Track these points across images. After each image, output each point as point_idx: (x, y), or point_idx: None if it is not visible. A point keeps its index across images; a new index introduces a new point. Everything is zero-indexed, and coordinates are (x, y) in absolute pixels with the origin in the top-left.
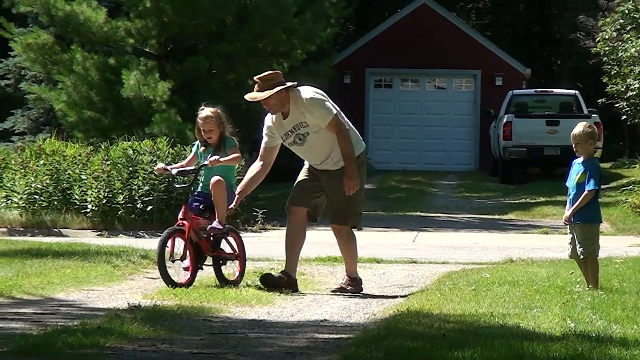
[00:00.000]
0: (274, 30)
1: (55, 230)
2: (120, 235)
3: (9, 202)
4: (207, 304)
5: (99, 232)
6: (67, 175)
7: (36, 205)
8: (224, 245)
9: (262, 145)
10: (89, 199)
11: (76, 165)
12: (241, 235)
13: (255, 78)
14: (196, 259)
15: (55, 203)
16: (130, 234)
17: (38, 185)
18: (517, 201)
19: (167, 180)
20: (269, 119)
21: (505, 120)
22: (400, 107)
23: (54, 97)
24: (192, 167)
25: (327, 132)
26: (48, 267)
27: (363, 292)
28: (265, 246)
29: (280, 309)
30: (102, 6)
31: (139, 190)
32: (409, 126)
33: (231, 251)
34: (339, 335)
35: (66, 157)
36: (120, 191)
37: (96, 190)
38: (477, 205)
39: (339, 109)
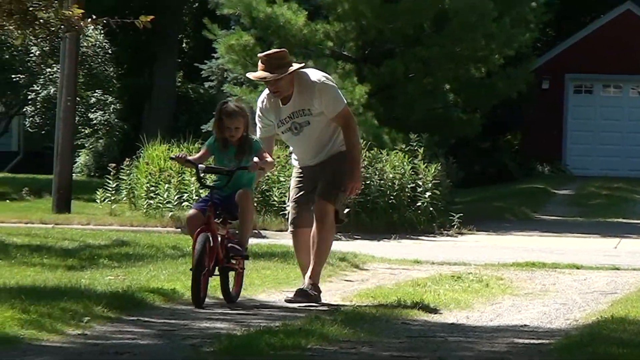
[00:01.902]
0: (472, 35)
1: (255, 231)
2: None
3: None
4: (405, 308)
5: None
6: (267, 177)
7: None
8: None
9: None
10: (287, 201)
11: (275, 167)
12: (435, 239)
13: (260, 55)
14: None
15: (255, 205)
16: None
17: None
18: None
19: (364, 183)
20: (262, 105)
21: None
22: (602, 113)
23: (255, 98)
24: (225, 168)
25: (329, 123)
26: (249, 269)
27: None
28: (461, 250)
29: (479, 313)
30: (302, 9)
31: None
32: (610, 132)
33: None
34: (539, 341)
35: (277, 161)
36: None
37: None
38: None
39: None
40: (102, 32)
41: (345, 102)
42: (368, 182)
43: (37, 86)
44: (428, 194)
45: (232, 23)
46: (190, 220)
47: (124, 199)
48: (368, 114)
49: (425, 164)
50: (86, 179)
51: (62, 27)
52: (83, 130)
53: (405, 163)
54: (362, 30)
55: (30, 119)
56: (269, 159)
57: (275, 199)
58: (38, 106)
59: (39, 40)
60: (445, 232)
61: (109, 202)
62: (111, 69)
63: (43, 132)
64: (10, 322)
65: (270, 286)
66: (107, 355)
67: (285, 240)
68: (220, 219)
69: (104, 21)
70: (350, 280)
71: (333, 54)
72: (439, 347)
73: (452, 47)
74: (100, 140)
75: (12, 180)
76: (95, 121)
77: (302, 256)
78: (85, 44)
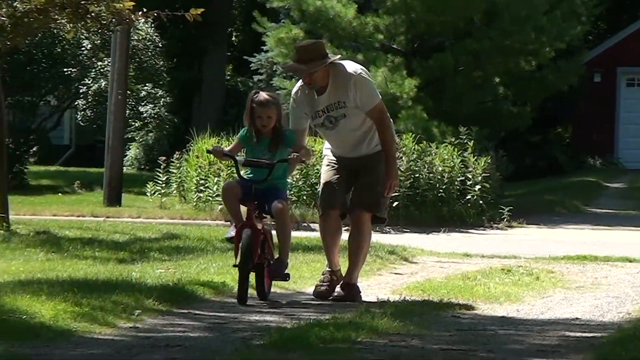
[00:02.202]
0: (523, 28)
1: (304, 224)
2: None
3: None
4: (455, 301)
5: (346, 228)
6: (316, 170)
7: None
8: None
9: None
10: None
11: (312, 158)
12: (485, 232)
13: (297, 46)
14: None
15: (304, 198)
16: (376, 229)
17: (288, 180)
18: None
19: (412, 176)
20: (296, 96)
21: None
22: None
23: None
24: (266, 161)
25: (364, 117)
26: (299, 262)
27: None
28: (511, 243)
29: (529, 306)
30: (352, 2)
31: None
32: None
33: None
34: (591, 334)
35: (314, 152)
36: None
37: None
38: None
39: None
40: (152, 25)
41: (380, 97)
42: (417, 175)
43: (89, 80)
44: (478, 187)
45: (281, 16)
46: (227, 191)
47: (174, 192)
48: (417, 107)
49: (475, 157)
50: (136, 172)
51: (113, 20)
52: (133, 123)
53: (454, 156)
54: (412, 23)
55: (82, 112)
56: (308, 151)
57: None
58: (89, 100)
59: (90, 33)
60: (495, 225)
61: (159, 195)
62: (161, 62)
63: (94, 125)
64: (63, 315)
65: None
66: (158, 348)
67: None
68: (256, 213)
69: (155, 14)
70: (399, 274)
71: (382, 47)
72: (489, 341)
73: (503, 40)
74: (151, 134)
75: (64, 173)
76: (145, 114)
77: (327, 240)
78: (135, 37)
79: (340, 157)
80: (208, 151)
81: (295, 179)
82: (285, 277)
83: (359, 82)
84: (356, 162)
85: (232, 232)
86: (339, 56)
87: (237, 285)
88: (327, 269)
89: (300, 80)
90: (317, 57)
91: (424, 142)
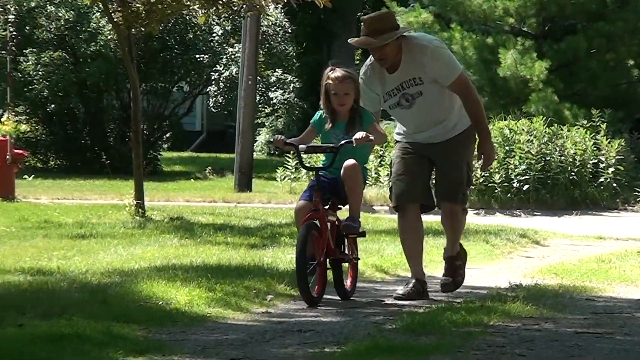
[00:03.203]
0: None
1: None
2: (497, 214)
3: None
4: (590, 284)
5: (476, 211)
6: None
7: None
8: None
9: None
10: None
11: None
12: (619, 215)
13: (364, 18)
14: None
15: None
16: (507, 213)
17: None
18: None
19: (543, 159)
20: (365, 75)
21: None
22: None
23: None
24: (329, 145)
25: (444, 93)
26: (429, 245)
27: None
28: None
29: None
30: None
31: (515, 170)
32: None
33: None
34: None
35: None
36: (496, 170)
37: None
38: None
39: None
40: (282, 11)
41: (462, 67)
42: (548, 158)
43: (220, 66)
44: (611, 169)
45: (410, 1)
46: (299, 213)
47: (304, 177)
48: (548, 90)
49: (608, 140)
50: (266, 157)
51: (244, 6)
52: (263, 109)
53: (587, 139)
54: (543, 6)
55: (214, 99)
56: (381, 132)
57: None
58: (221, 86)
59: (221, 19)
60: (630, 207)
61: (289, 181)
62: (290, 47)
63: (225, 111)
64: (198, 300)
65: None
66: (290, 333)
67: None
68: (329, 204)
69: (285, 0)
70: (530, 257)
71: (512, 30)
72: (626, 323)
73: (636, 22)
74: (280, 119)
75: (196, 159)
76: (275, 100)
77: (408, 240)
78: (265, 23)
79: (416, 143)
80: (270, 142)
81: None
82: (362, 234)
83: (437, 53)
84: (436, 148)
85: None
86: (410, 27)
87: (366, 269)
88: (412, 277)
89: (370, 58)
90: (388, 28)
91: (555, 125)
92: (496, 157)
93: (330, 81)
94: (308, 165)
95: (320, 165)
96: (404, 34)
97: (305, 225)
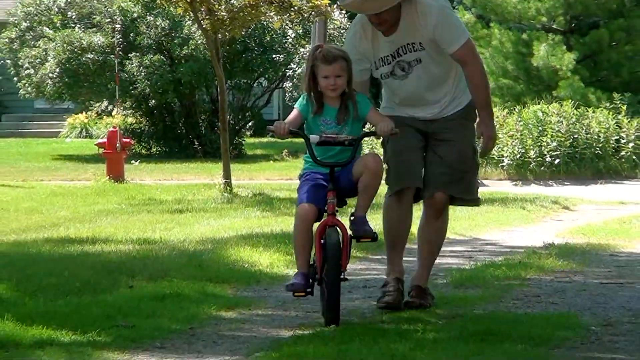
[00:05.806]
0: None
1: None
2: (532, 184)
3: None
4: (613, 241)
5: (514, 182)
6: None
7: None
8: None
9: None
10: (504, 154)
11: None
12: (638, 183)
13: None
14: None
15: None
16: (540, 183)
17: None
18: None
19: (572, 137)
20: (354, 38)
21: None
22: None
23: None
24: (347, 137)
25: (446, 62)
26: (474, 212)
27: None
28: None
29: None
30: None
31: (548, 146)
32: None
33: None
34: None
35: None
36: (531, 147)
37: (511, 147)
38: None
39: None
40: (345, 15)
41: (469, 34)
42: (576, 136)
43: (294, 64)
44: (631, 145)
45: (454, 2)
46: (305, 220)
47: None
48: (575, 77)
49: (628, 119)
50: None
51: (312, 12)
52: None
53: (609, 119)
54: (570, 5)
55: (289, 93)
56: (384, 119)
57: (494, 152)
58: (294, 81)
59: (293, 24)
60: None
61: None
62: None
63: None
64: (278, 263)
65: (493, 227)
66: (357, 288)
67: (503, 188)
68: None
69: None
70: (561, 220)
71: (543, 27)
72: None
73: None
74: None
75: (274, 144)
76: None
77: (401, 229)
78: (331, 26)
79: (409, 118)
80: (269, 129)
81: None
82: (375, 237)
83: (443, 13)
84: (432, 126)
85: (296, 280)
86: None
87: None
88: (391, 276)
89: (359, 17)
90: None
91: (582, 107)
92: (494, 141)
93: (317, 62)
94: (321, 160)
95: (335, 162)
96: None
97: (333, 230)
